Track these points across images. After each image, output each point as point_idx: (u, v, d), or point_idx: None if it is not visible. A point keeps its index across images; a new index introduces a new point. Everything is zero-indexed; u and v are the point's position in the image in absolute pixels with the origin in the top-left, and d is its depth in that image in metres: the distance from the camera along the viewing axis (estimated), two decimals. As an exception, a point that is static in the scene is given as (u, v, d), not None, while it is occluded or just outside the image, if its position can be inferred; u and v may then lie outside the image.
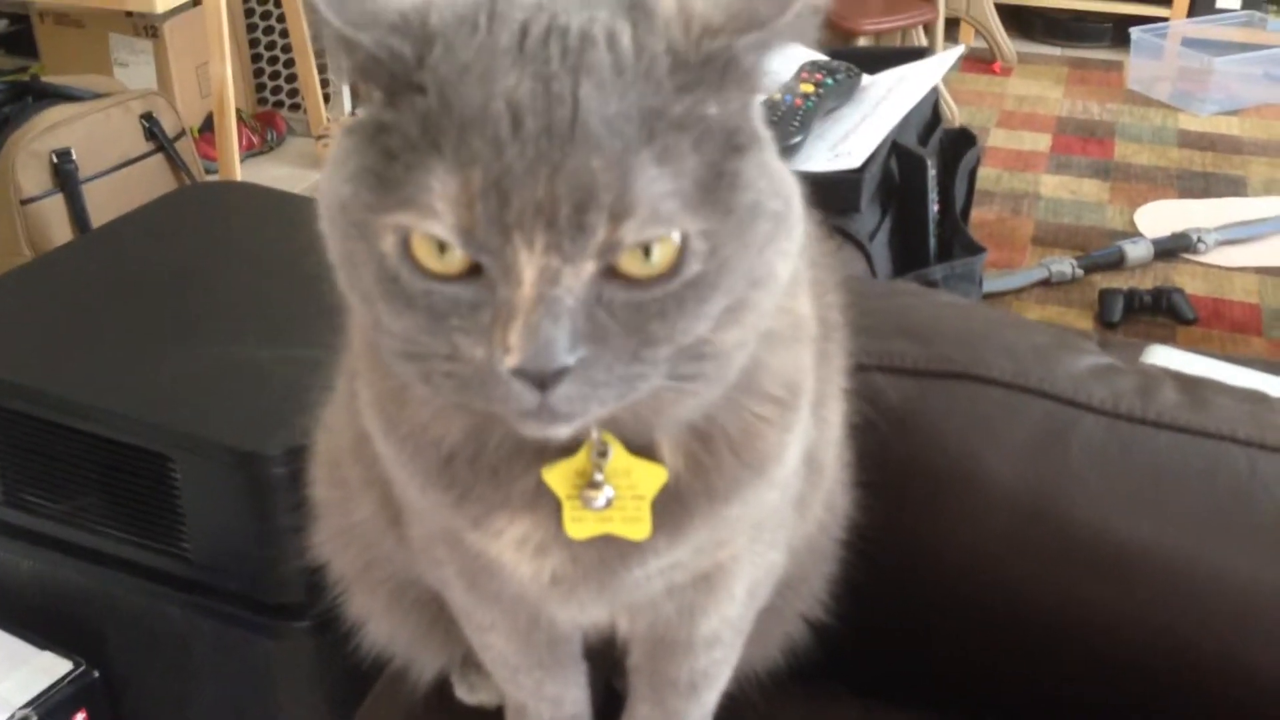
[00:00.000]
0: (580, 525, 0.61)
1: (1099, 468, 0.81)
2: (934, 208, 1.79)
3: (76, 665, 1.32)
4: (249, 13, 3.20)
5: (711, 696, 0.76)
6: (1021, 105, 3.74)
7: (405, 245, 0.50)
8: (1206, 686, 0.80)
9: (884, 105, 1.81)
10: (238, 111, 2.77)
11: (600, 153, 0.47)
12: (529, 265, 0.48)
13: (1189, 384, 0.86)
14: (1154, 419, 0.82)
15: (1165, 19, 3.92)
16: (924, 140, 1.91)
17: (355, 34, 0.50)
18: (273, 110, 3.22)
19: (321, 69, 2.94)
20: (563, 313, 0.48)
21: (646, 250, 0.49)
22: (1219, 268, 2.84)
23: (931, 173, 1.76)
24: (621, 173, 0.47)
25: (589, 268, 0.49)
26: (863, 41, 3.35)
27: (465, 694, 0.86)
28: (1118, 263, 2.81)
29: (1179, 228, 2.92)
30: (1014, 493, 0.82)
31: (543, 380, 0.49)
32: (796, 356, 0.63)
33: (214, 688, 1.32)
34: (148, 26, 2.87)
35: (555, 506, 0.61)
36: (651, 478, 0.60)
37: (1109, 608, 0.81)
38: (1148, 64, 3.79)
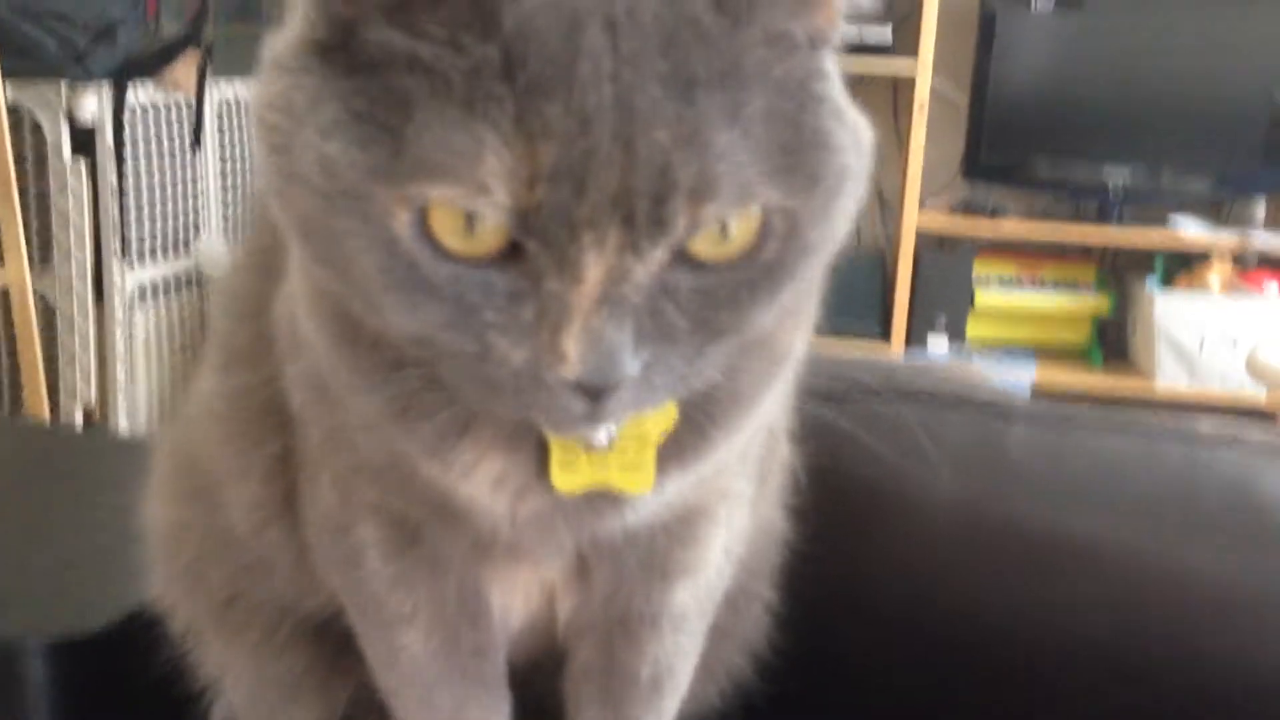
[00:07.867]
0: (570, 474, 0.51)
1: (1040, 462, 0.77)
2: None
3: None
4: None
5: (671, 704, 0.63)
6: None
7: (423, 220, 0.40)
8: (1170, 680, 0.73)
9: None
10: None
11: (670, 122, 0.38)
12: (596, 264, 0.39)
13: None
14: (1083, 422, 0.79)
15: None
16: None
17: None
18: None
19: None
20: (628, 314, 0.40)
21: (723, 227, 0.41)
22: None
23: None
24: (697, 143, 0.39)
25: (660, 258, 0.40)
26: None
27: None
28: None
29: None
30: (952, 500, 0.77)
31: (600, 391, 0.41)
32: None
33: None
34: None
35: (535, 443, 0.51)
36: (660, 417, 0.50)
37: (1065, 609, 0.74)
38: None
